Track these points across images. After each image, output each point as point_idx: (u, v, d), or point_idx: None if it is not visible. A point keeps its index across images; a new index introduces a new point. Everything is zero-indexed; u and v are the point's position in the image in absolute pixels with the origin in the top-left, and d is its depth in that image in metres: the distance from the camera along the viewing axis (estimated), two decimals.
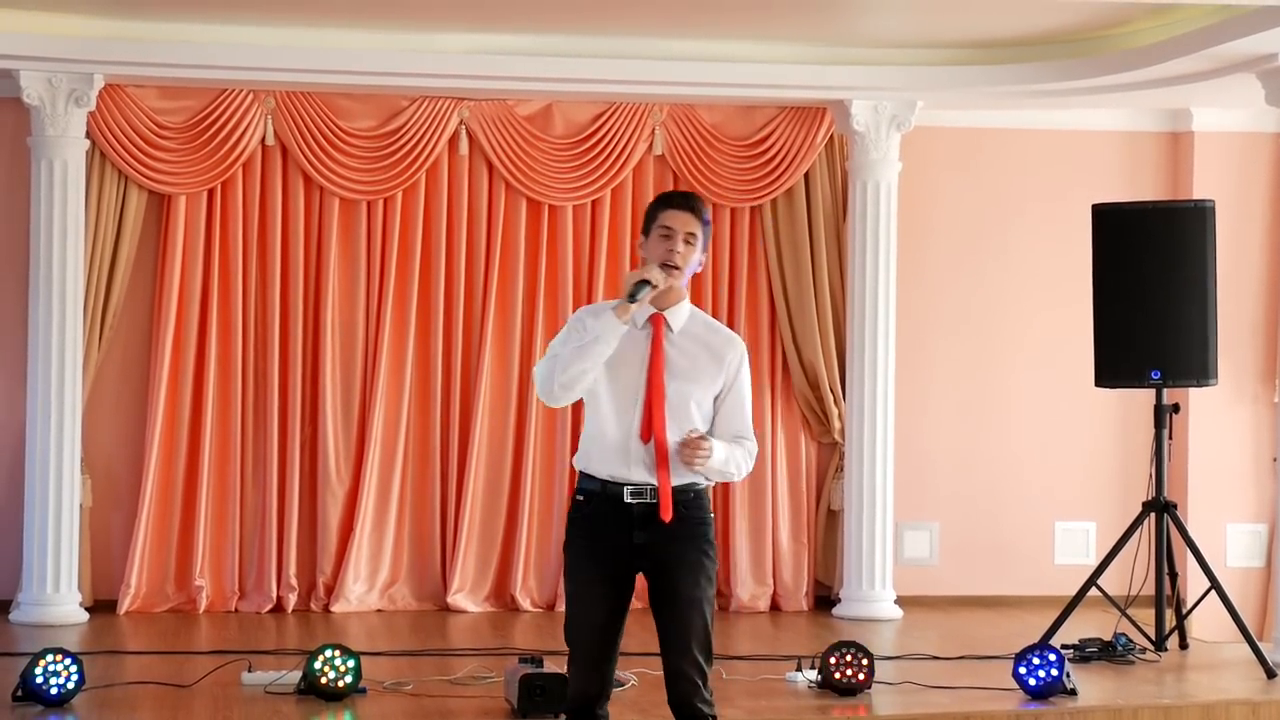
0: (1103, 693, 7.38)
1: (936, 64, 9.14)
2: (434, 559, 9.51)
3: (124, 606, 9.15)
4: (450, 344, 9.53)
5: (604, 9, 8.44)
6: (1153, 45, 8.37)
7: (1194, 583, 8.92)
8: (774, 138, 9.65)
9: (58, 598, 8.82)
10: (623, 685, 7.05)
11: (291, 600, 9.33)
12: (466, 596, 9.46)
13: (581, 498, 5.19)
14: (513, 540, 9.53)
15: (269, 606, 9.29)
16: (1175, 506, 8.48)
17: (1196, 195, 9.75)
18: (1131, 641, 8.25)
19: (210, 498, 9.27)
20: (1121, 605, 8.35)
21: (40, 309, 8.82)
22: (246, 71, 8.91)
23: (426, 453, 9.51)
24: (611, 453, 5.13)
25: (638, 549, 5.11)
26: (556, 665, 6.51)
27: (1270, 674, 7.74)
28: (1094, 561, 9.31)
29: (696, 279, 9.62)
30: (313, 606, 9.37)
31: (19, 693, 6.76)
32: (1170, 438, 8.46)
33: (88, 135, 8.96)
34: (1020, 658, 7.23)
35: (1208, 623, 8.84)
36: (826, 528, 9.83)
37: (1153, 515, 8.44)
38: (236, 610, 9.31)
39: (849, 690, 7.13)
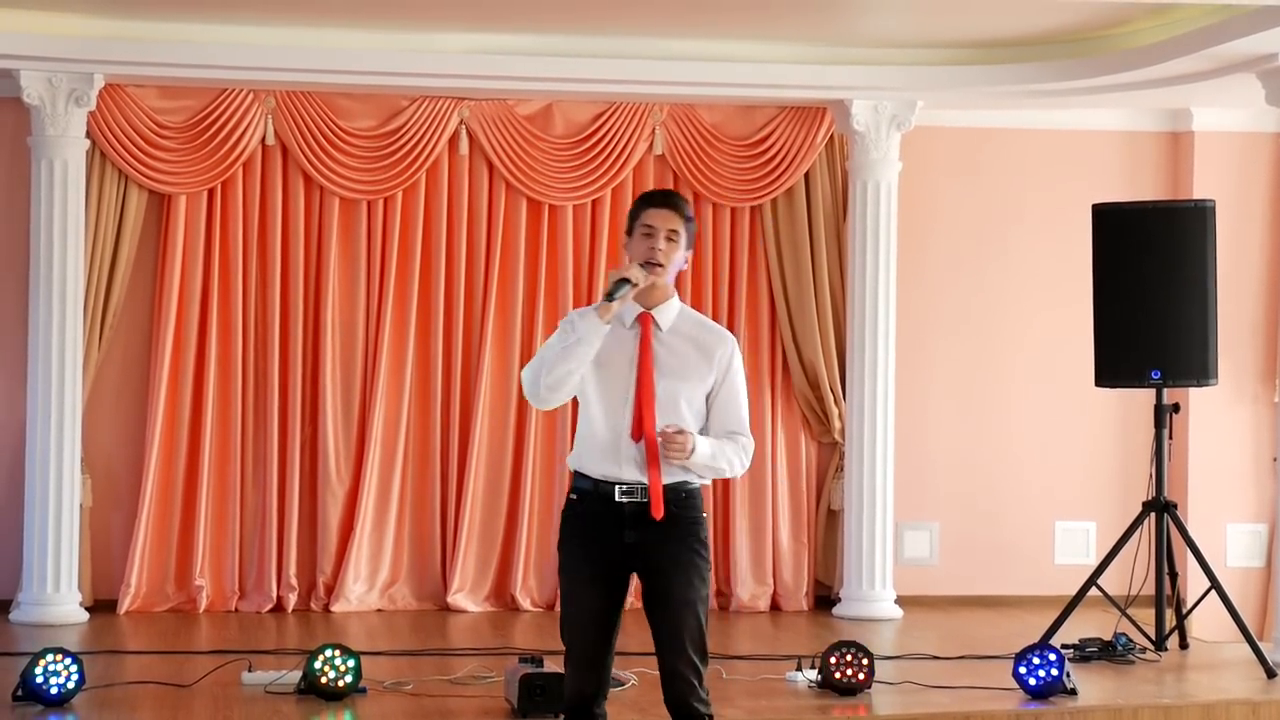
0: (1103, 692, 7.38)
1: (936, 64, 9.14)
2: (434, 559, 9.51)
3: (124, 606, 9.15)
4: (450, 344, 9.53)
5: (604, 9, 8.44)
6: (1153, 45, 8.37)
7: (1194, 582, 8.92)
8: (774, 137, 9.65)
9: (58, 597, 8.82)
10: (622, 685, 7.05)
11: (291, 600, 9.33)
12: (466, 596, 9.46)
13: (575, 497, 5.21)
14: (513, 540, 9.53)
15: (269, 606, 9.29)
16: (1175, 506, 8.48)
17: (1196, 195, 9.75)
18: (1131, 641, 8.25)
19: (210, 497, 9.27)
20: (1121, 605, 8.35)
21: (40, 309, 8.83)
22: (246, 71, 8.91)
23: (426, 452, 9.51)
24: (603, 452, 5.14)
25: (630, 548, 5.12)
26: (556, 665, 6.50)
27: (1270, 674, 7.74)
28: (1094, 561, 9.31)
29: (697, 278, 9.68)
30: (313, 606, 9.37)
31: (19, 692, 6.76)
32: (1170, 438, 8.46)
33: (88, 135, 8.96)
34: (1020, 657, 7.23)
35: (1208, 622, 8.84)
36: (826, 527, 9.83)
37: (1153, 515, 8.44)
38: (236, 610, 9.31)
39: (849, 690, 7.13)
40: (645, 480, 5.09)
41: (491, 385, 9.47)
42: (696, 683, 5.11)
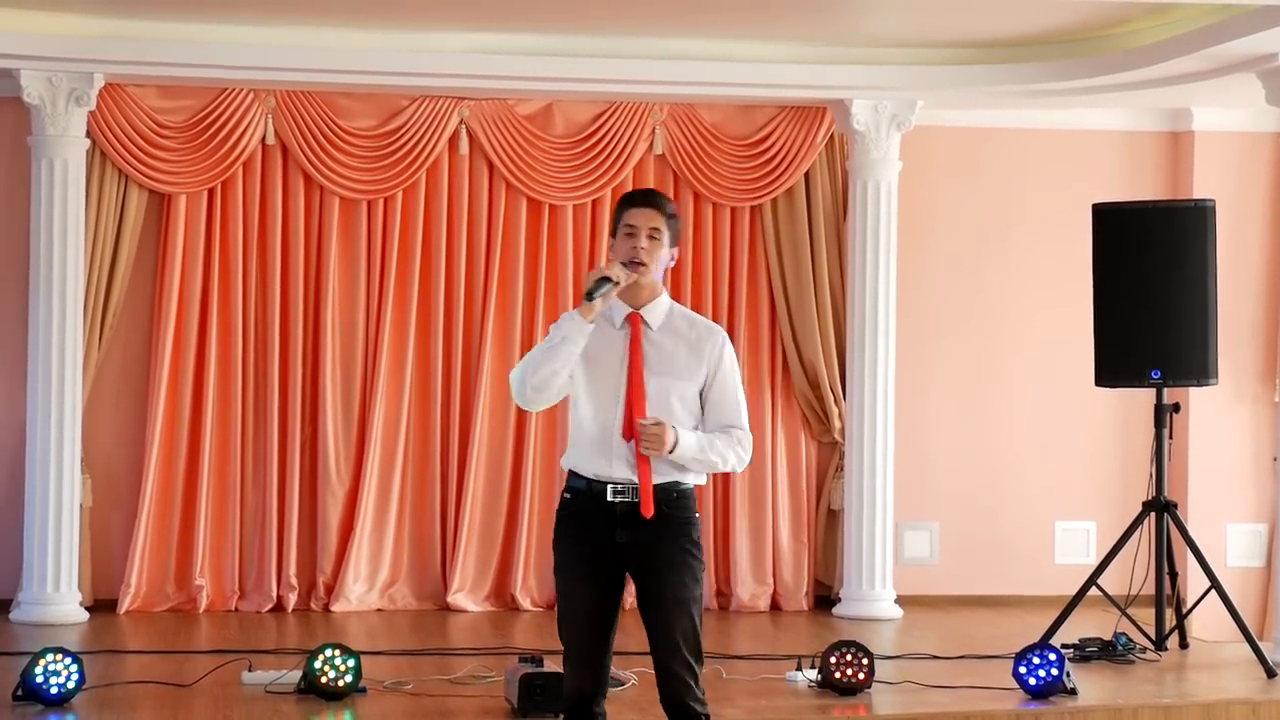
0: (1103, 692, 7.38)
1: (936, 63, 9.14)
2: (434, 558, 9.51)
3: (124, 606, 9.15)
4: (450, 344, 9.53)
5: (604, 9, 8.44)
6: (1153, 45, 8.37)
7: (1194, 582, 8.92)
8: (774, 137, 9.65)
9: (58, 597, 8.82)
10: (622, 685, 7.05)
11: (291, 600, 9.33)
12: (466, 596, 9.46)
13: (569, 496, 5.22)
14: (513, 540, 9.53)
15: (269, 606, 9.29)
16: (1175, 506, 8.48)
17: (1197, 195, 9.75)
18: (1132, 641, 8.25)
19: (210, 497, 9.27)
20: (1122, 605, 8.35)
21: (40, 309, 8.83)
22: (247, 71, 8.91)
23: (427, 452, 9.51)
24: (595, 451, 5.16)
25: (622, 548, 5.13)
26: (556, 665, 6.48)
27: (1270, 673, 7.74)
28: (1094, 561, 9.31)
29: (697, 278, 9.68)
30: (313, 606, 9.37)
31: (19, 692, 6.76)
32: (1170, 437, 8.46)
33: (88, 134, 8.96)
34: (1020, 657, 7.23)
35: (1208, 622, 8.84)
36: (826, 527, 9.83)
37: (1153, 515, 8.44)
38: (236, 610, 9.31)
39: (849, 690, 7.13)
40: (636, 479, 5.10)
41: (491, 385, 9.47)
42: (692, 682, 5.12)
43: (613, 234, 5.29)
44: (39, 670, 6.74)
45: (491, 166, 9.54)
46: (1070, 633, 8.27)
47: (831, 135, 9.69)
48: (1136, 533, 8.36)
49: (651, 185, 9.58)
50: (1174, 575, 8.53)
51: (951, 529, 10.04)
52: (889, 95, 9.29)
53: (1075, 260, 9.34)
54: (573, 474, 5.22)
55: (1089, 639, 8.23)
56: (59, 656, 6.77)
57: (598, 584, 5.16)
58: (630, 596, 5.24)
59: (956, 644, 8.46)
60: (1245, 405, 10.09)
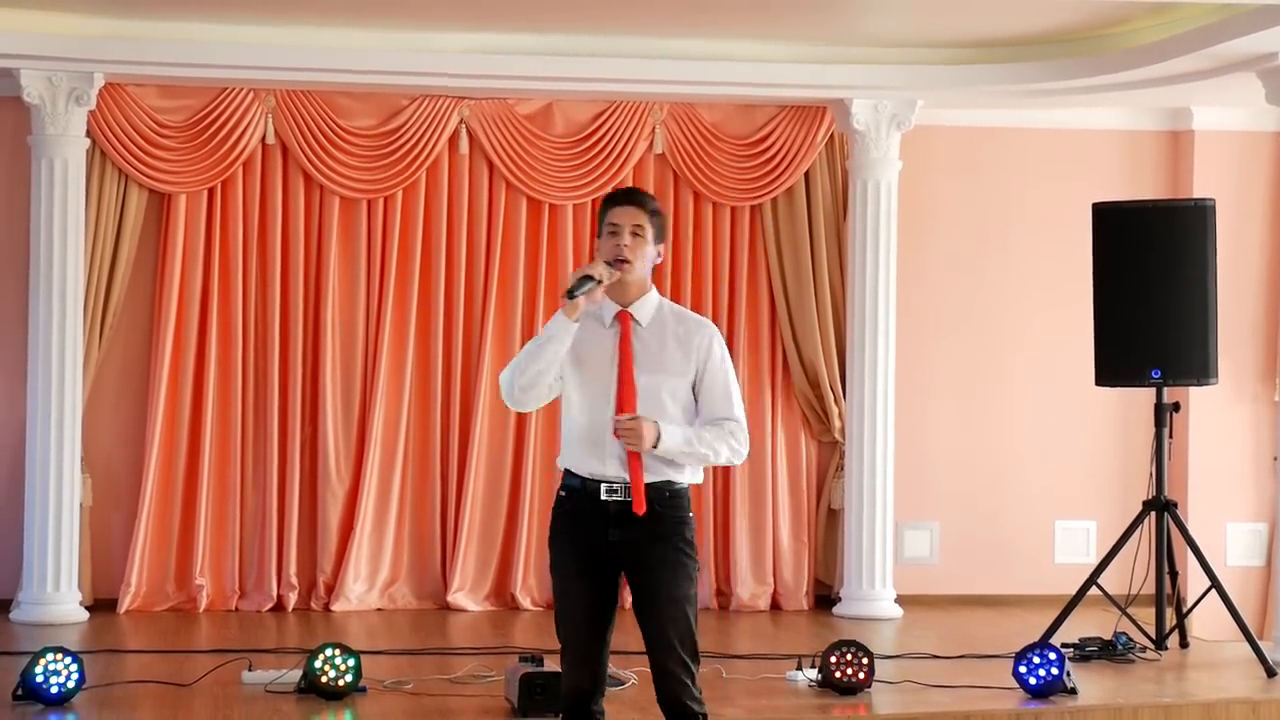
0: (1103, 692, 7.38)
1: (936, 63, 9.14)
2: (434, 558, 9.51)
3: (124, 605, 9.15)
4: (450, 343, 9.53)
5: (604, 8, 8.44)
6: (1153, 44, 8.37)
7: (1194, 582, 8.92)
8: (774, 137, 9.65)
9: (58, 596, 8.82)
10: (622, 684, 7.06)
11: (292, 599, 9.34)
12: (467, 595, 9.46)
13: (564, 494, 5.24)
14: (513, 539, 9.53)
15: (269, 605, 9.29)
16: (1175, 505, 8.48)
17: (1197, 194, 9.75)
18: (1132, 640, 8.24)
19: (210, 497, 9.27)
20: (1122, 604, 8.35)
21: (40, 308, 8.83)
22: (247, 70, 8.91)
23: (427, 452, 9.52)
24: (588, 450, 5.17)
25: (615, 546, 5.14)
26: (556, 664, 6.46)
27: (1270, 673, 7.74)
28: (1094, 560, 9.31)
29: (697, 278, 9.68)
30: (313, 605, 9.38)
31: (19, 692, 6.76)
32: (1170, 437, 8.47)
33: (88, 134, 8.96)
34: (1020, 657, 7.23)
35: (1208, 622, 8.84)
36: (827, 527, 9.83)
37: (1153, 514, 8.44)
38: (237, 609, 9.31)
39: (849, 689, 7.13)
40: (628, 477, 5.10)
41: (491, 385, 9.45)
42: (689, 681, 5.12)
43: (598, 234, 5.29)
44: (39, 670, 6.74)
45: (491, 166, 9.54)
46: (1070, 632, 8.27)
47: (831, 135, 9.69)
48: (1136, 532, 8.36)
49: (652, 185, 9.60)
50: (1174, 574, 8.53)
51: (951, 529, 10.04)
52: (889, 95, 9.29)
53: (1075, 260, 9.34)
54: (568, 472, 5.23)
55: (1089, 638, 8.23)
56: (59, 656, 6.77)
57: (593, 581, 5.17)
58: (628, 596, 5.24)
59: (956, 643, 8.46)
60: (1245, 405, 10.09)
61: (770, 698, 7.16)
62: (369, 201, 9.45)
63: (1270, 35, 7.62)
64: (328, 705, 6.85)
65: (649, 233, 5.22)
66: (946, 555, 10.04)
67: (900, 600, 9.50)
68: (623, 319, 5.22)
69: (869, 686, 7.16)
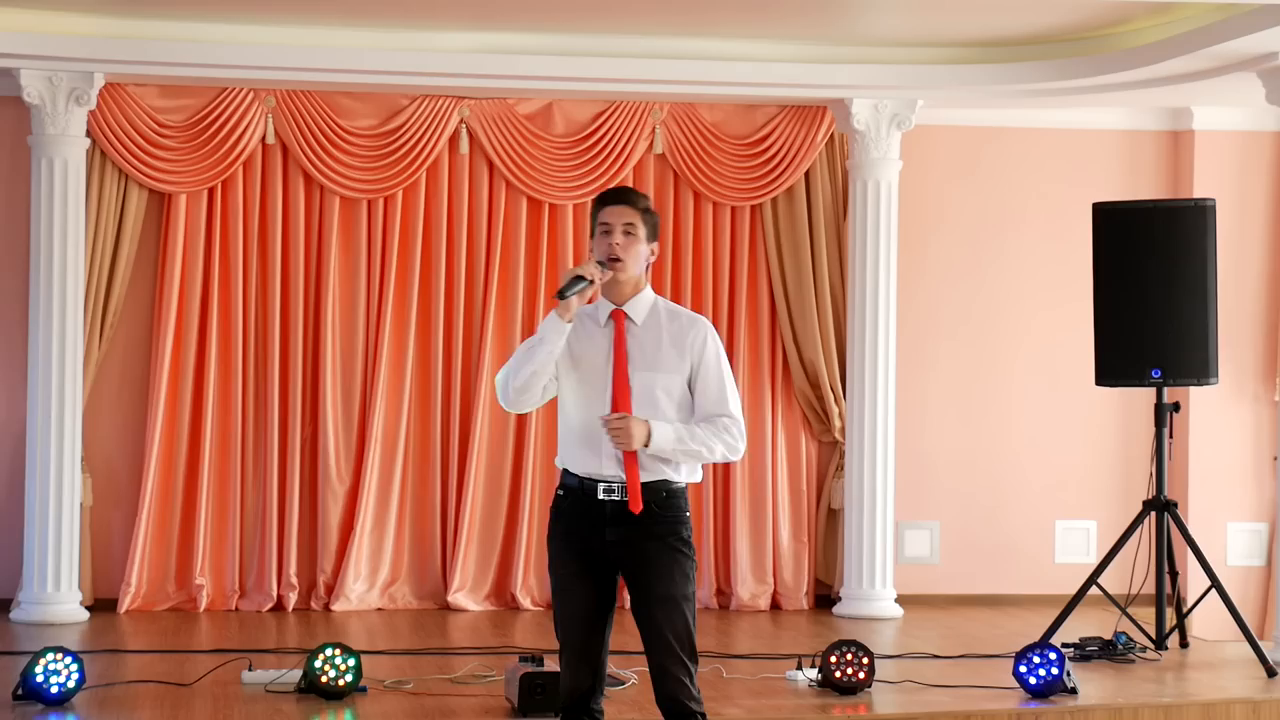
0: (1103, 691, 7.38)
1: (937, 63, 9.14)
2: (434, 558, 9.51)
3: (124, 605, 9.15)
4: (450, 343, 9.53)
5: (604, 8, 8.44)
6: (1153, 44, 8.37)
7: (1194, 581, 8.92)
8: (774, 136, 9.65)
9: (58, 596, 8.82)
10: (622, 684, 7.06)
11: (292, 599, 9.34)
12: (467, 595, 9.46)
13: (562, 492, 5.25)
14: (513, 539, 9.53)
15: (269, 605, 9.30)
16: (1176, 505, 8.48)
17: (1197, 194, 9.76)
18: (1132, 640, 8.24)
19: (211, 496, 9.28)
20: (1122, 604, 8.35)
21: (40, 308, 8.83)
22: (247, 70, 8.91)
23: (427, 451, 9.52)
24: (584, 450, 5.17)
25: (611, 545, 5.14)
26: (557, 664, 6.48)
27: (1271, 673, 7.74)
28: (1094, 560, 9.32)
29: (697, 278, 9.68)
30: (313, 605, 9.38)
31: (19, 691, 6.76)
32: (1171, 437, 8.46)
33: (88, 134, 8.96)
34: (1021, 656, 7.22)
35: (1208, 621, 8.84)
36: (827, 526, 9.83)
37: (1153, 514, 8.44)
38: (237, 609, 9.31)
39: (849, 689, 7.13)
40: (624, 476, 5.10)
41: (492, 385, 9.38)
42: (687, 681, 5.12)
43: (591, 234, 5.30)
44: (39, 670, 6.73)
45: (491, 166, 9.54)
46: (1070, 632, 8.27)
47: (832, 135, 9.69)
48: (1137, 532, 8.35)
49: (652, 185, 9.61)
50: (1174, 574, 8.53)
51: (952, 528, 10.04)
52: (889, 95, 9.29)
53: (1075, 260, 9.35)
54: (565, 472, 5.24)
55: (1089, 638, 8.23)
56: (59, 656, 6.76)
57: (591, 580, 5.17)
58: (627, 596, 5.24)
59: (957, 643, 8.46)
60: (1245, 404, 10.09)
61: (770, 697, 7.16)
62: (369, 201, 9.45)
63: (1270, 35, 7.62)
64: (328, 705, 6.84)
65: (641, 231, 5.21)
66: (946, 555, 10.04)
67: (900, 600, 9.50)
68: (617, 317, 5.22)
69: (869, 686, 7.15)
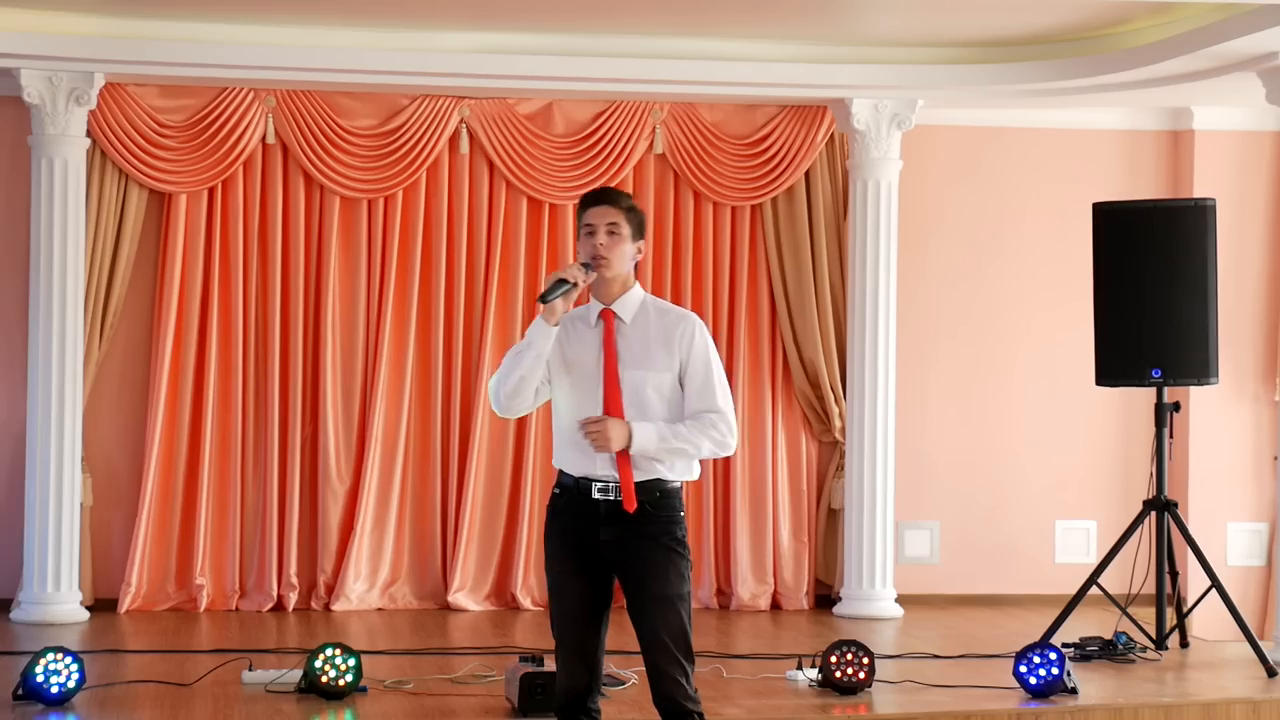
0: (1103, 691, 7.38)
1: (937, 63, 9.14)
2: (434, 558, 9.51)
3: (125, 605, 9.15)
4: (450, 343, 9.53)
5: (604, 8, 8.44)
6: (1153, 44, 8.37)
7: (1194, 581, 8.92)
8: (774, 136, 9.65)
9: (58, 596, 8.82)
10: (623, 684, 7.06)
11: (292, 599, 9.34)
12: (467, 595, 9.46)
13: (558, 491, 5.26)
14: (513, 539, 9.53)
15: (269, 605, 9.30)
16: (1176, 505, 8.48)
17: (1197, 194, 9.76)
18: (1132, 640, 8.24)
19: (211, 496, 9.28)
20: (1122, 604, 8.35)
21: (40, 308, 8.83)
22: (247, 70, 8.91)
23: (427, 451, 9.52)
24: (577, 451, 5.18)
25: (605, 545, 5.14)
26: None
27: (1271, 673, 7.74)
28: (1094, 560, 9.32)
29: (697, 278, 9.69)
30: (313, 605, 9.38)
31: (19, 691, 6.76)
32: (1171, 436, 8.46)
33: (88, 134, 8.96)
34: (1021, 656, 7.22)
35: (1208, 621, 8.84)
36: (827, 526, 9.83)
37: (1153, 514, 8.44)
38: (237, 609, 9.31)
39: (849, 689, 7.13)
40: (618, 475, 5.11)
41: None
42: (682, 680, 5.12)
43: (577, 236, 5.30)
44: (40, 670, 6.73)
45: (492, 166, 9.54)
46: (1071, 632, 8.27)
47: (832, 134, 9.69)
48: (1137, 532, 8.35)
49: (652, 185, 9.63)
50: (1174, 574, 8.53)
51: (952, 528, 10.04)
52: (889, 94, 9.29)
53: (1075, 260, 9.35)
54: (561, 471, 5.26)
55: (1089, 638, 8.23)
56: (59, 656, 6.77)
57: (587, 578, 5.18)
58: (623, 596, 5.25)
59: (957, 643, 8.46)
60: (1245, 404, 10.09)
61: (770, 697, 7.16)
62: (369, 201, 9.45)
63: (1270, 35, 7.62)
64: (328, 705, 6.84)
65: (625, 230, 5.21)
66: (947, 555, 10.04)
67: (900, 600, 9.50)
68: (606, 317, 5.22)
69: (869, 686, 7.15)
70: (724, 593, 9.70)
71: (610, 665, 7.05)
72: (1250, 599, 9.90)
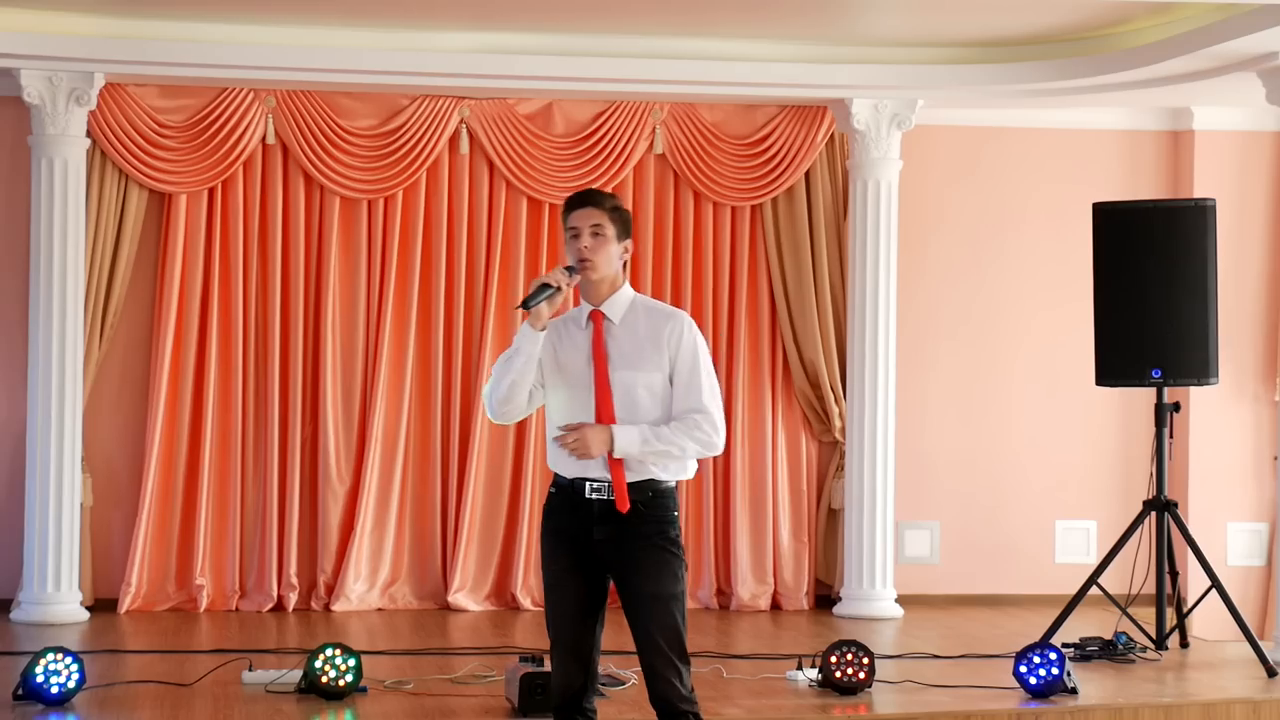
0: (1103, 691, 7.38)
1: (937, 63, 9.14)
2: (434, 558, 9.52)
3: (125, 605, 9.15)
4: (450, 343, 9.53)
5: (604, 8, 8.44)
6: (1153, 44, 8.37)
7: (1194, 581, 8.92)
8: (774, 136, 9.65)
9: (59, 596, 8.82)
10: (623, 684, 7.06)
11: (292, 599, 9.34)
12: (467, 595, 9.46)
13: (554, 490, 5.27)
14: (513, 539, 9.53)
15: (269, 605, 9.30)
16: (1176, 505, 8.48)
17: (1197, 194, 9.76)
18: (1132, 640, 8.24)
19: (211, 497, 9.28)
20: (1122, 604, 8.35)
21: (40, 309, 8.83)
22: (247, 70, 8.91)
23: (427, 451, 9.52)
24: (569, 453, 5.15)
25: (599, 545, 5.15)
26: None
27: (1271, 673, 7.74)
28: (1095, 560, 9.32)
29: (697, 278, 9.69)
30: (313, 605, 9.38)
31: (20, 692, 6.76)
32: (1171, 436, 8.46)
33: (88, 134, 8.97)
34: (1021, 656, 7.22)
35: (1208, 621, 8.84)
36: (827, 526, 9.83)
37: (1153, 514, 8.44)
38: (237, 609, 9.31)
39: (850, 689, 7.13)
40: (610, 477, 5.11)
41: None
42: (676, 681, 5.12)
43: (566, 241, 5.29)
44: (40, 670, 6.73)
45: (492, 166, 9.54)
46: (1071, 632, 8.27)
47: (832, 135, 9.69)
48: (1137, 532, 8.35)
49: (652, 185, 9.63)
50: (1174, 574, 8.53)
51: (952, 528, 10.04)
52: (889, 94, 9.29)
53: (1075, 260, 9.35)
54: (557, 473, 5.26)
55: (1089, 638, 8.23)
56: (60, 656, 6.77)
57: (581, 577, 5.19)
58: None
59: (957, 643, 8.46)
60: (1245, 404, 10.09)
61: (770, 698, 7.16)
62: (369, 201, 9.45)
63: (1270, 35, 7.62)
64: (328, 705, 6.84)
65: (610, 230, 5.21)
66: (947, 555, 10.04)
67: (900, 600, 9.50)
68: (595, 318, 5.23)
69: (869, 686, 7.15)
70: (724, 593, 9.70)
71: (610, 665, 7.06)
72: (1250, 599, 9.90)
